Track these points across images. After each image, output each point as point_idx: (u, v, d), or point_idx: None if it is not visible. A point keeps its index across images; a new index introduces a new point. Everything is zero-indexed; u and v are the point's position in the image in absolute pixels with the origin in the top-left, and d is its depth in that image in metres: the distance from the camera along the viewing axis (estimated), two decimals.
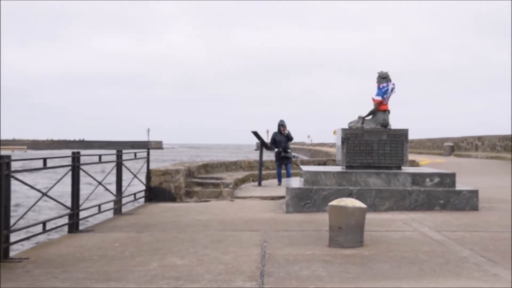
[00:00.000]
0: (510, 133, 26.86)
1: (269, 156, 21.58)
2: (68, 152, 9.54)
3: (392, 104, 17.11)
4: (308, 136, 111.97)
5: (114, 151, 11.50)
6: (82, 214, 9.38)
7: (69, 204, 8.95)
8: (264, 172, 17.64)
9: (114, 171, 11.18)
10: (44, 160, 7.96)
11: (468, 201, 10.63)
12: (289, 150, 16.17)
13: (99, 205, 10.23)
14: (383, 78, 11.73)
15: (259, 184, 16.13)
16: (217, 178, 15.23)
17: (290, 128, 16.17)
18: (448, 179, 10.99)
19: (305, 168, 12.23)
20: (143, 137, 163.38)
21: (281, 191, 13.29)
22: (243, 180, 16.67)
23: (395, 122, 14.01)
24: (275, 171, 18.03)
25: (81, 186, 9.25)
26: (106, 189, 10.76)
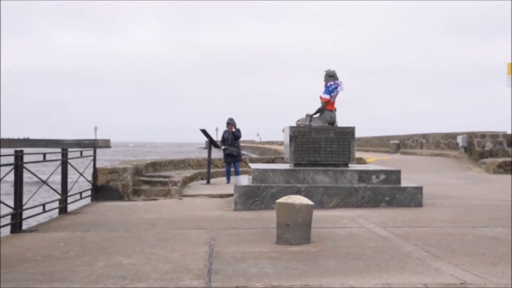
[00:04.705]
0: (452, 131, 27.62)
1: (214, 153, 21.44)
2: (11, 150, 9.27)
3: (343, 103, 17.33)
4: (258, 134, 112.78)
5: (59, 150, 11.28)
6: (25, 214, 9.17)
7: (12, 203, 8.72)
8: (213, 170, 17.62)
9: (60, 170, 10.96)
10: None
11: (412, 198, 10.88)
12: (232, 149, 16.04)
13: (43, 204, 10.02)
14: (331, 76, 11.82)
15: (208, 182, 16.09)
16: (165, 177, 15.12)
17: (240, 126, 16.13)
18: (393, 176, 11.21)
19: (253, 166, 12.26)
20: (92, 136, 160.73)
21: (229, 189, 13.28)
22: (192, 178, 16.59)
23: (345, 121, 14.15)
24: (224, 169, 18.04)
25: (25, 186, 9.03)
26: (51, 188, 10.54)
